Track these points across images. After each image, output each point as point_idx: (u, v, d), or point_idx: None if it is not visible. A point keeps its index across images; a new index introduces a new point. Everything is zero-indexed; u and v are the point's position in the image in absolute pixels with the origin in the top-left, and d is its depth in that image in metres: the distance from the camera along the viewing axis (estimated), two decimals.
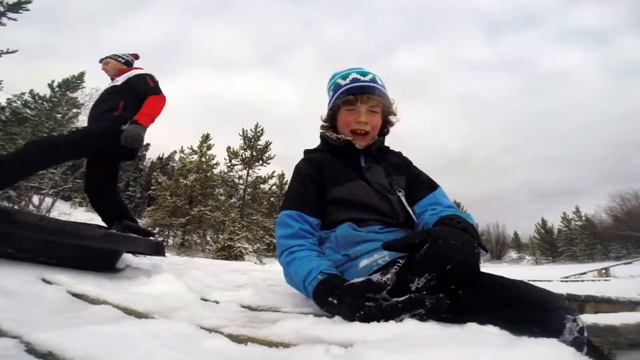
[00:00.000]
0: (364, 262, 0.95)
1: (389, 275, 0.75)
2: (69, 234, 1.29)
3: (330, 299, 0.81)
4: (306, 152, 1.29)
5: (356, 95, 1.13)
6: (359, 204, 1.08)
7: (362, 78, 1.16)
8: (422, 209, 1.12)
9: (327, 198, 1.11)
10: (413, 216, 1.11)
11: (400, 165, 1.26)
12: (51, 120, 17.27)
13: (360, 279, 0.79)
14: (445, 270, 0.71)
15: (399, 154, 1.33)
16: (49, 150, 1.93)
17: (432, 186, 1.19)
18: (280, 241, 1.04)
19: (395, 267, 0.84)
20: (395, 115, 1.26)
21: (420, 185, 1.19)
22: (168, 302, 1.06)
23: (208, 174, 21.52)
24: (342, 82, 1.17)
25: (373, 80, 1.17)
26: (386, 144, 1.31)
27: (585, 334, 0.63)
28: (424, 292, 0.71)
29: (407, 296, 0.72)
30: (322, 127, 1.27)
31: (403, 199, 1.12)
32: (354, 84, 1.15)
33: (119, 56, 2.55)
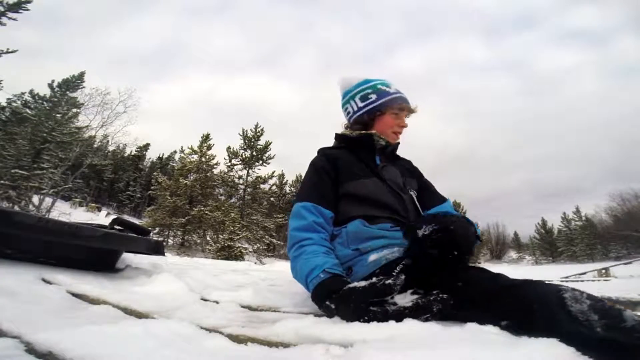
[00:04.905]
0: (372, 257, 0.97)
1: (397, 281, 0.75)
2: (68, 234, 1.29)
3: (327, 302, 0.82)
4: (322, 149, 1.31)
5: (409, 106, 1.27)
6: (371, 201, 1.10)
7: (401, 90, 1.29)
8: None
9: (341, 193, 1.13)
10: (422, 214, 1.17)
11: (411, 170, 1.34)
12: (51, 120, 17.27)
13: (363, 283, 0.79)
14: (449, 255, 0.80)
15: (409, 162, 1.40)
16: None
17: (442, 198, 1.29)
18: (293, 233, 1.05)
19: (402, 264, 0.87)
20: None
21: (431, 195, 1.28)
22: (168, 302, 1.06)
23: (208, 174, 21.52)
24: (390, 90, 1.26)
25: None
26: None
27: (606, 301, 0.58)
28: (431, 298, 0.72)
29: (413, 298, 0.72)
30: (353, 126, 1.29)
31: (415, 198, 1.18)
32: (404, 95, 1.27)
33: None
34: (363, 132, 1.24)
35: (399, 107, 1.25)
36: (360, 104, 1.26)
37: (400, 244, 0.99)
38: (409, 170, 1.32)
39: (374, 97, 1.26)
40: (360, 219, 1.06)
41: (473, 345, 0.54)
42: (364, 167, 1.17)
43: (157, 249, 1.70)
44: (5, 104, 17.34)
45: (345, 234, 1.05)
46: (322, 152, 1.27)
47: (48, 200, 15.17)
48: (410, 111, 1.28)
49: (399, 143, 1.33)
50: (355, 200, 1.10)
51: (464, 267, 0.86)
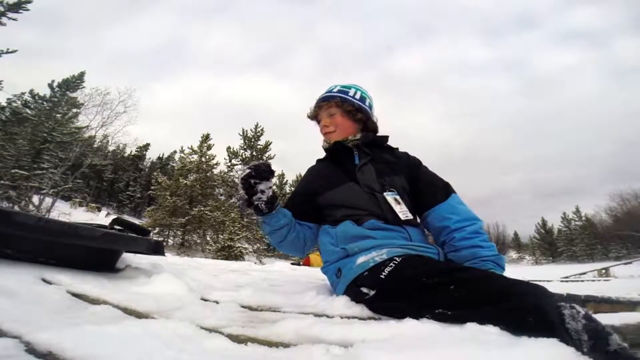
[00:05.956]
0: (361, 259, 0.97)
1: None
2: (68, 234, 1.29)
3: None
4: (317, 161, 1.41)
5: (315, 109, 1.35)
6: (348, 205, 1.15)
7: (322, 95, 1.35)
8: (439, 220, 1.14)
9: (322, 203, 1.22)
10: (407, 215, 1.12)
11: (400, 164, 1.25)
12: (51, 120, 17.28)
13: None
14: None
15: (404, 154, 1.33)
16: None
17: (446, 193, 1.18)
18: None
19: (390, 265, 0.89)
20: (361, 111, 1.29)
21: (432, 190, 1.20)
22: (168, 302, 1.06)
23: (208, 174, 21.52)
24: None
25: (329, 91, 1.34)
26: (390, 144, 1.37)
27: (600, 322, 0.59)
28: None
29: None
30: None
31: (390, 198, 1.13)
32: (314, 103, 1.37)
33: None
34: (330, 142, 1.31)
35: (312, 115, 1.38)
36: None
37: (389, 244, 0.99)
38: (395, 165, 1.23)
39: None
40: (348, 220, 1.11)
41: (473, 345, 0.54)
42: (341, 174, 1.22)
43: (157, 249, 1.70)
44: (5, 104, 17.35)
45: (335, 235, 1.12)
46: (311, 166, 1.39)
47: (48, 200, 15.18)
48: (324, 110, 1.31)
49: (370, 135, 1.28)
50: (335, 206, 1.18)
51: (458, 267, 0.86)
